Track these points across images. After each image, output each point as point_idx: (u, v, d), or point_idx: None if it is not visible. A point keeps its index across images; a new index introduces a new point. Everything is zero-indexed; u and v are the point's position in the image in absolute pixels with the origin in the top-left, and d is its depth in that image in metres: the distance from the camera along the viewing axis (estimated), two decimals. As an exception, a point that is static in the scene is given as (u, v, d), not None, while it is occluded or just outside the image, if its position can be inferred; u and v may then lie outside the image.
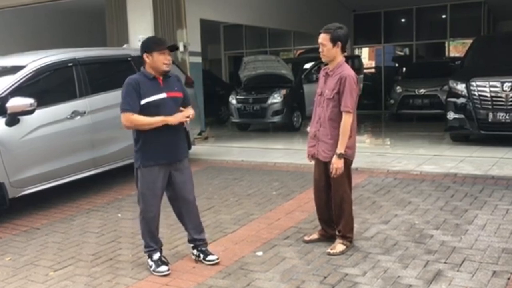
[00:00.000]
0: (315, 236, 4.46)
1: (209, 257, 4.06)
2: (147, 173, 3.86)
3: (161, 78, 3.88)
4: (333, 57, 4.08)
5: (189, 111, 3.96)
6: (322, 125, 4.14)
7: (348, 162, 4.13)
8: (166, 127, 3.81)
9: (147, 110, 3.77)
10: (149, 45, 3.84)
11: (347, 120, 3.98)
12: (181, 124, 3.90)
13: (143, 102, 3.77)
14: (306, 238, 4.48)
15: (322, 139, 4.14)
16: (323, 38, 4.05)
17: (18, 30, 13.07)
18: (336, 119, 4.05)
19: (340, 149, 4.00)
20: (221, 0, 11.78)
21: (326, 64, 4.25)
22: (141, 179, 3.90)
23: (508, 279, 3.54)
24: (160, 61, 3.81)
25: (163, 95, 3.84)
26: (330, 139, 4.08)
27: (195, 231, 4.11)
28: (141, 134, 3.84)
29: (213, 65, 19.57)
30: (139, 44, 4.11)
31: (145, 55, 3.82)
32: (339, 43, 4.04)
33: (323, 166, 4.23)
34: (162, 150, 3.85)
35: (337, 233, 4.28)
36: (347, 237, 4.23)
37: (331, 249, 4.15)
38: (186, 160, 4.06)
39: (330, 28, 4.06)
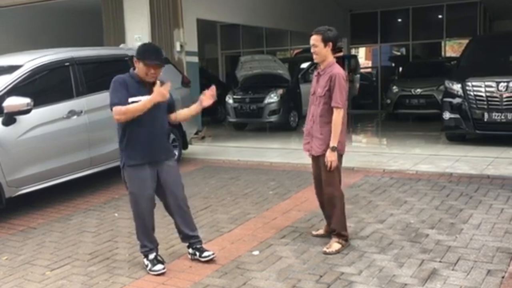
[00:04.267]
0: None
1: (205, 253, 4.08)
2: (133, 172, 3.89)
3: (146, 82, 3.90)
4: (325, 56, 4.25)
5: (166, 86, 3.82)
6: (315, 122, 4.30)
7: (338, 156, 4.23)
8: (147, 128, 3.82)
9: None
10: (141, 53, 3.85)
11: (338, 115, 4.14)
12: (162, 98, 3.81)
13: (129, 101, 3.79)
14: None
15: (315, 135, 4.29)
16: (314, 39, 4.23)
17: (14, 30, 13.04)
18: (326, 115, 4.20)
19: (333, 142, 4.14)
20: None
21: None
22: (128, 179, 3.93)
23: (503, 277, 3.57)
24: (143, 71, 3.82)
25: (147, 97, 3.84)
26: (321, 134, 4.23)
27: (188, 229, 4.12)
28: (125, 134, 3.87)
29: (210, 64, 19.58)
30: (138, 44, 4.09)
31: (135, 59, 3.86)
32: (330, 44, 4.23)
33: (318, 162, 4.33)
34: (143, 149, 3.87)
35: (332, 231, 4.31)
36: (343, 236, 4.28)
37: (327, 248, 4.18)
38: (172, 160, 4.10)
39: (321, 29, 4.25)
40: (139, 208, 3.94)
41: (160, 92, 3.75)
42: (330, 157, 4.14)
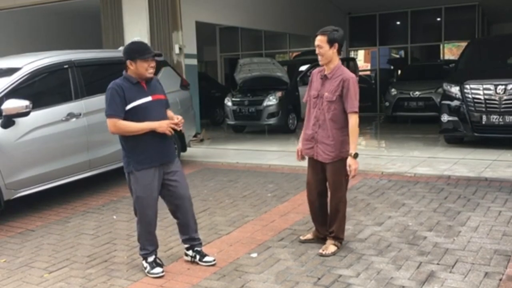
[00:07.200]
0: (309, 236, 4.51)
1: (206, 258, 4.08)
2: (141, 177, 3.88)
3: (144, 82, 3.90)
4: (330, 58, 4.11)
5: (177, 118, 3.97)
6: (321, 127, 4.15)
7: (344, 163, 4.18)
8: (153, 131, 3.84)
9: (134, 115, 3.80)
10: (131, 53, 3.84)
11: (355, 120, 4.05)
12: (166, 132, 3.90)
13: (129, 106, 3.80)
14: (301, 237, 4.55)
15: (322, 140, 4.15)
16: (319, 40, 4.10)
17: (14, 32, 13.07)
18: (338, 120, 4.09)
19: (354, 149, 4.05)
20: (217, 2, 11.82)
21: (318, 66, 4.29)
22: (135, 183, 3.90)
23: (500, 280, 3.57)
24: (143, 68, 3.83)
25: (148, 99, 3.88)
26: (332, 141, 4.11)
27: (191, 231, 4.12)
28: (128, 139, 3.87)
29: (209, 67, 19.62)
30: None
31: (128, 62, 3.83)
32: (336, 45, 4.10)
33: (320, 168, 4.25)
34: (152, 152, 3.87)
35: (329, 234, 4.31)
36: (340, 238, 4.28)
37: (323, 250, 4.19)
38: (177, 160, 4.10)
39: (327, 30, 4.11)
40: (146, 211, 3.93)
41: (167, 128, 3.84)
42: (354, 165, 4.03)
